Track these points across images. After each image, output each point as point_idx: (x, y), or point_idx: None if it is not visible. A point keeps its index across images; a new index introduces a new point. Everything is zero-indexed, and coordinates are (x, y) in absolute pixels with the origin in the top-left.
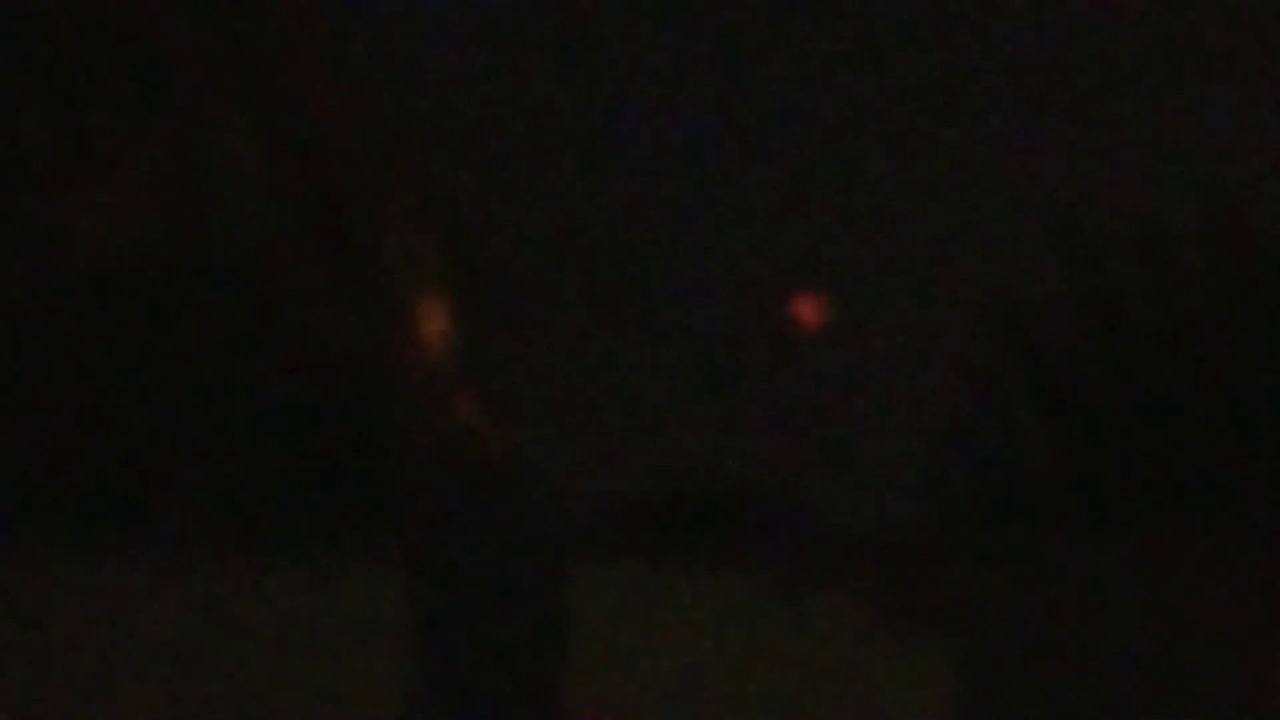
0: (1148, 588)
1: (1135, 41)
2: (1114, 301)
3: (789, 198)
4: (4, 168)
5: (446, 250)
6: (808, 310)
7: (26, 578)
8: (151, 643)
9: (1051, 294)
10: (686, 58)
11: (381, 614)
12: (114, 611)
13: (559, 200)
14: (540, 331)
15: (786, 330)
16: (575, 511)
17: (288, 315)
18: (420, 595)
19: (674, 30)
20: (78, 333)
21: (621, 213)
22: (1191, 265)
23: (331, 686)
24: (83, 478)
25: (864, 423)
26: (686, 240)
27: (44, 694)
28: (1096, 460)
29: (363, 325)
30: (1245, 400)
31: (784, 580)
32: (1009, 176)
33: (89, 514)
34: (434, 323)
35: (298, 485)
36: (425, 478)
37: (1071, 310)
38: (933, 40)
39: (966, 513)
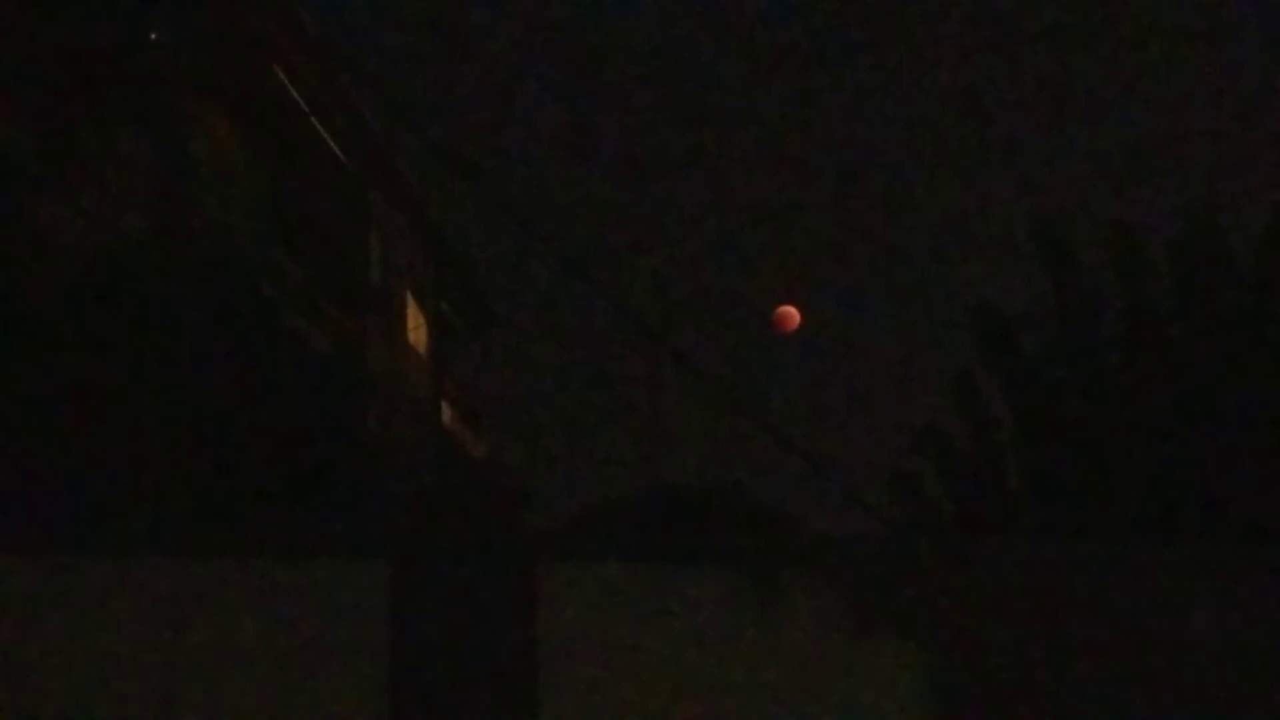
0: (1121, 596)
1: (1121, 58)
2: (1092, 313)
3: (774, 208)
4: None
5: (428, 255)
6: (786, 316)
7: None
8: (130, 640)
9: (1032, 304)
10: (672, 60)
11: (363, 614)
12: (95, 608)
13: (544, 204)
14: (522, 338)
15: (768, 334)
16: (554, 514)
17: (270, 319)
18: (399, 594)
19: (655, 31)
20: (57, 333)
21: (609, 219)
22: (1166, 277)
23: (311, 686)
24: (64, 478)
25: (842, 427)
26: (673, 247)
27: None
28: (1071, 469)
29: (345, 329)
30: (1220, 411)
31: (759, 580)
32: (993, 187)
33: (68, 514)
34: (416, 329)
35: (278, 486)
36: (406, 480)
37: (1051, 321)
38: (918, 54)
39: (940, 518)
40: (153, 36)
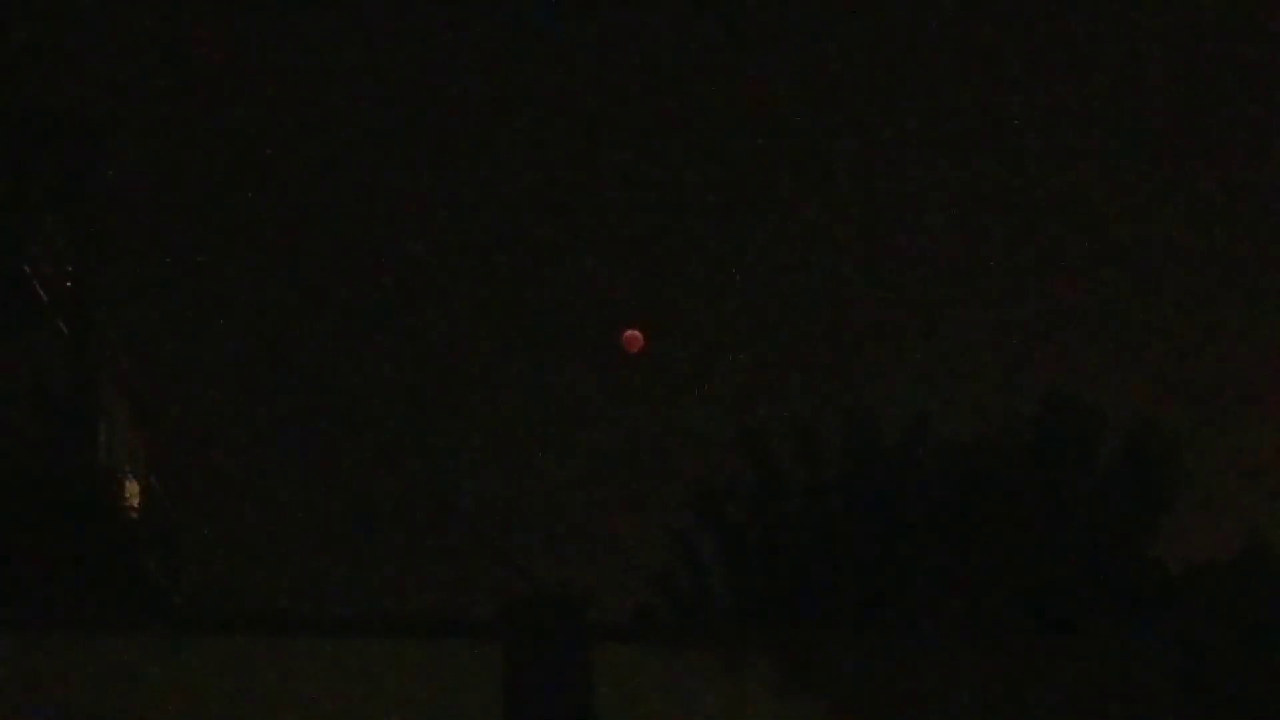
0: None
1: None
2: (781, 491)
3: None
4: None
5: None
6: (632, 340)
7: None
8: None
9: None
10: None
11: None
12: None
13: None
14: None
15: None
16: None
17: None
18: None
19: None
20: None
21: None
22: (832, 469)
23: None
24: None
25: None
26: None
27: None
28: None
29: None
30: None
31: None
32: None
33: None
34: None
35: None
36: None
37: (751, 496)
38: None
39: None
40: None
